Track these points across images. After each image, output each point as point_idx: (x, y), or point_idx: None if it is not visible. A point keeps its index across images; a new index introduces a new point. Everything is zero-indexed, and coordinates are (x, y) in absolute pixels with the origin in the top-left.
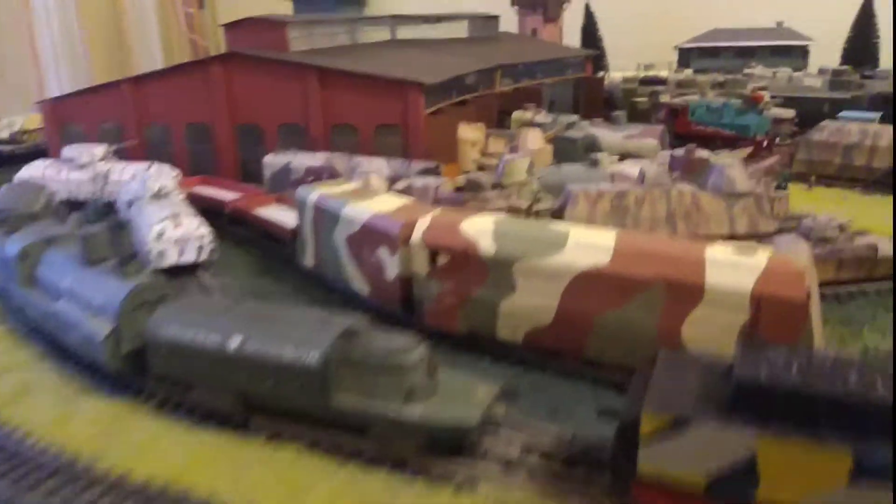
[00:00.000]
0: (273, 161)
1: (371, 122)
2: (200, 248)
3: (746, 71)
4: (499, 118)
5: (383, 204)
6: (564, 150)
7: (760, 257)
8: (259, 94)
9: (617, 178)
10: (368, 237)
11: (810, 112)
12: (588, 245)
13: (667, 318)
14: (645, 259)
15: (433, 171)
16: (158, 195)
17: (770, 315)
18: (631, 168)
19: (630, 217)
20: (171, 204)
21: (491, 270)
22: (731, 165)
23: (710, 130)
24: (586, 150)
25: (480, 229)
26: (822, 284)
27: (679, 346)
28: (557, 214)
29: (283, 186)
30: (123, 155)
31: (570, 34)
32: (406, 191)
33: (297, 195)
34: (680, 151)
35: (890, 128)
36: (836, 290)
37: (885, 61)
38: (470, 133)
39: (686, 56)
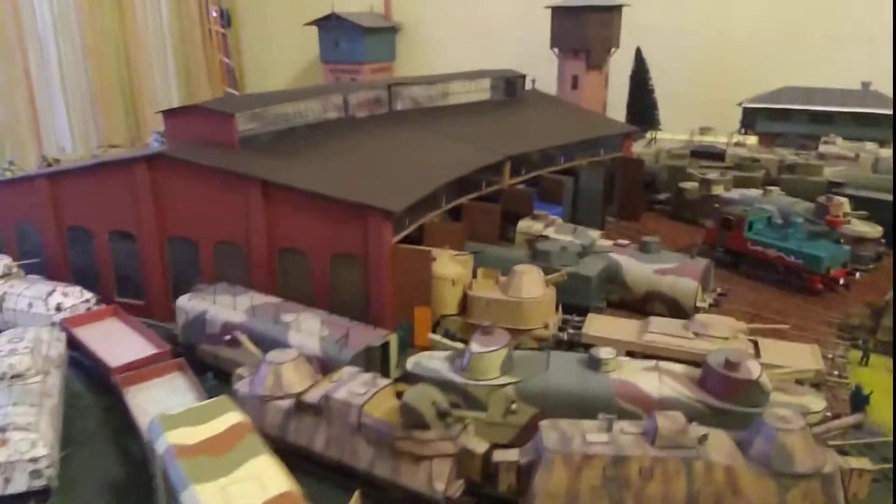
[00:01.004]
0: (188, 306)
1: (325, 249)
2: (36, 474)
3: (823, 148)
4: (502, 227)
5: (240, 497)
6: (574, 290)
7: None
8: (192, 204)
9: (623, 392)
10: None
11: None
12: None
13: None
14: None
15: (375, 351)
16: (10, 377)
17: None
18: (646, 381)
19: (631, 496)
20: (11, 398)
21: None
22: (787, 424)
23: (772, 254)
24: (609, 281)
25: None
26: None
27: None
28: (525, 478)
29: (198, 339)
30: (38, 267)
31: (617, 84)
32: (324, 404)
33: (149, 429)
34: (720, 358)
35: None
36: None
37: None
38: (450, 267)
39: (751, 116)
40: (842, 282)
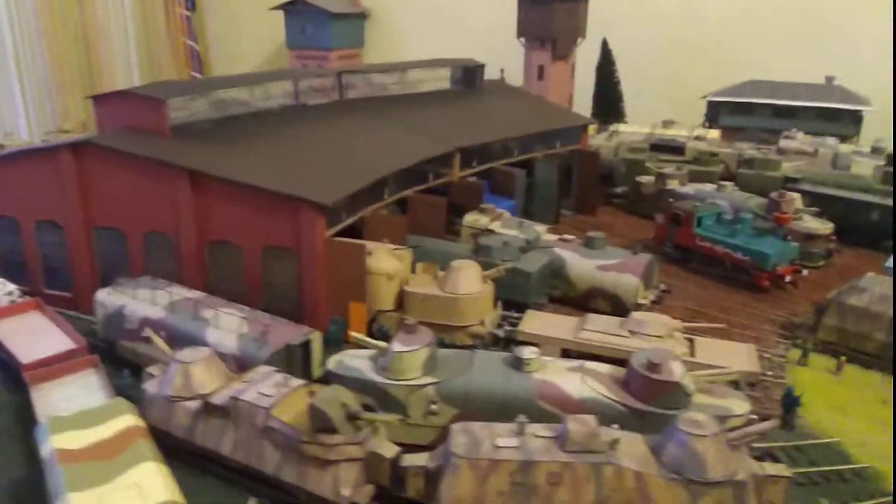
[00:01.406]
0: (107, 300)
1: (257, 242)
2: None
3: (783, 143)
4: (449, 221)
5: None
6: (514, 286)
7: None
8: (119, 193)
9: (544, 393)
10: None
11: (851, 220)
12: None
13: None
14: None
15: (296, 350)
16: None
17: None
18: (568, 381)
19: (539, 502)
20: None
21: None
22: (700, 430)
23: (720, 250)
24: (553, 277)
25: None
26: None
27: None
28: (433, 483)
29: (117, 335)
30: None
31: (585, 74)
32: (232, 406)
33: (35, 433)
34: (643, 359)
35: None
36: None
37: None
38: (387, 262)
39: (715, 110)
40: (788, 279)
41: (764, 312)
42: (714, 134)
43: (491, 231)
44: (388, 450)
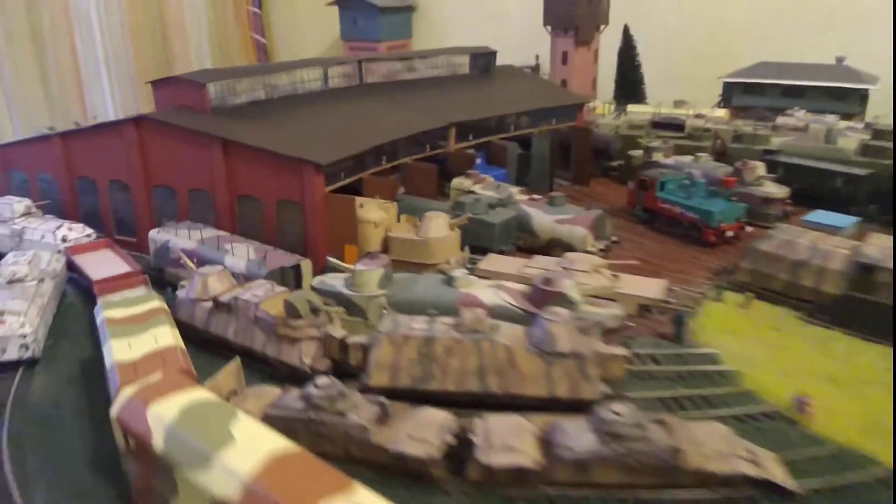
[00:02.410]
0: (156, 237)
1: (273, 196)
2: (24, 347)
3: (780, 120)
4: (441, 184)
5: (137, 346)
6: (480, 234)
7: None
8: (170, 158)
9: (465, 301)
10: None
11: (817, 186)
12: (228, 470)
13: None
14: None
15: (292, 270)
16: (11, 281)
17: None
18: (484, 294)
19: (437, 367)
20: (11, 295)
21: (160, 467)
22: (555, 322)
23: (677, 211)
24: (519, 230)
25: (160, 419)
26: (607, 487)
27: None
28: (366, 352)
29: (164, 263)
30: (55, 209)
31: (608, 60)
32: (233, 303)
33: (95, 310)
34: (542, 277)
35: (847, 247)
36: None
37: None
38: (373, 213)
39: (730, 90)
40: (730, 234)
41: (704, 262)
42: (721, 112)
43: (472, 192)
44: (339, 332)
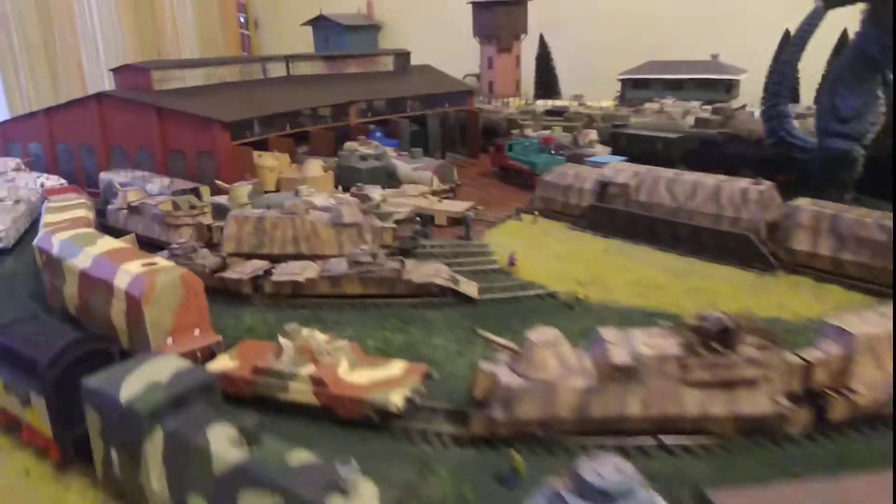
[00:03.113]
0: (103, 177)
1: (193, 149)
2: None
3: (647, 105)
4: (338, 146)
5: (61, 216)
6: (350, 177)
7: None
8: (122, 125)
9: (309, 206)
10: None
11: (646, 150)
12: (88, 254)
13: (107, 305)
14: (104, 267)
15: (192, 191)
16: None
17: (129, 305)
18: (319, 200)
19: (267, 237)
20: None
21: (56, 267)
22: (346, 204)
23: (516, 165)
24: (389, 177)
25: (59, 239)
26: (354, 297)
27: (112, 325)
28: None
29: (109, 196)
30: (40, 166)
31: (530, 63)
32: (140, 207)
33: (43, 205)
34: (358, 188)
35: (592, 171)
36: (365, 303)
37: (807, 97)
38: (268, 161)
39: (625, 86)
40: None
41: (525, 200)
42: (607, 102)
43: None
44: (207, 220)
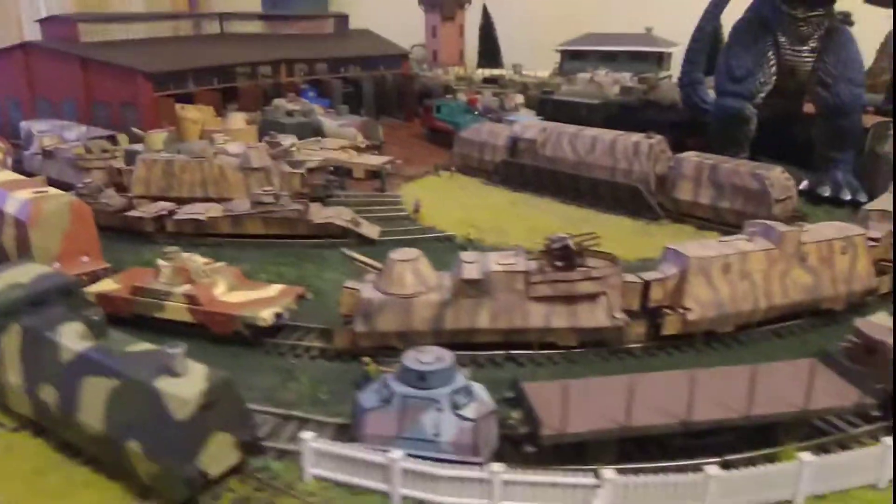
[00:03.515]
0: (24, 125)
1: (117, 100)
2: None
3: (579, 75)
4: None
5: None
6: (277, 129)
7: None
8: (48, 76)
9: (220, 153)
10: None
11: (571, 116)
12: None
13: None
14: None
15: (108, 138)
16: None
17: (18, 230)
18: (232, 148)
19: (175, 180)
20: None
21: None
22: (254, 148)
23: (442, 125)
24: (314, 133)
25: None
26: (257, 237)
27: (4, 250)
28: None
29: (29, 144)
30: None
31: (473, 32)
32: (54, 151)
33: None
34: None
35: (505, 128)
36: (266, 242)
37: None
38: (191, 113)
39: (563, 58)
40: None
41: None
42: (544, 72)
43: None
44: (119, 164)
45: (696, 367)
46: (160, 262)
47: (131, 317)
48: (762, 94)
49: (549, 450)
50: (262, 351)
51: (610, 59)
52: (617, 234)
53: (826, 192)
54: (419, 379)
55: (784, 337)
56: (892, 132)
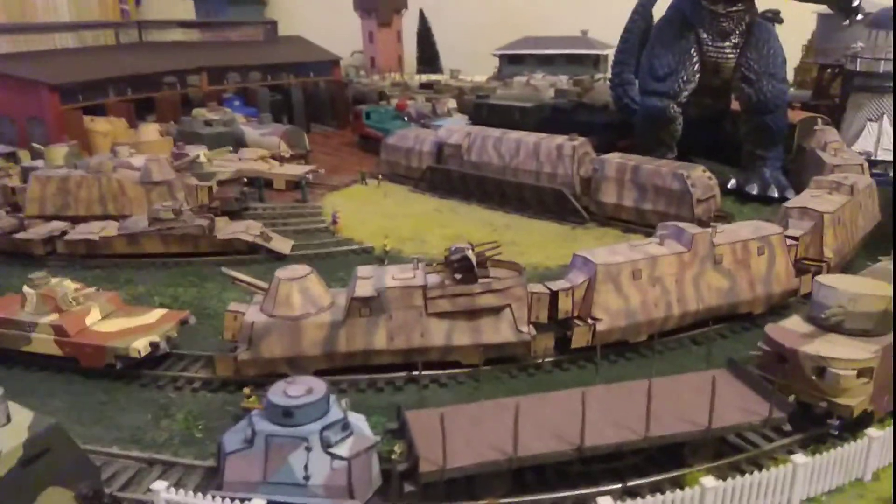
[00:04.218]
0: None
1: (22, 113)
2: None
3: (515, 79)
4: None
5: None
6: (194, 139)
7: None
8: None
9: (122, 166)
10: None
11: (505, 119)
12: None
13: None
14: None
15: (7, 155)
16: None
17: None
18: (136, 161)
19: (71, 197)
20: None
21: None
22: (155, 161)
23: (373, 132)
24: (236, 143)
25: None
26: (156, 256)
27: None
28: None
29: None
30: None
31: (411, 38)
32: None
33: None
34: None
35: (431, 134)
36: (167, 262)
37: None
38: (101, 126)
39: (501, 62)
40: None
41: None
42: (481, 77)
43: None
44: (13, 182)
45: (607, 379)
46: (26, 289)
47: None
48: (686, 93)
49: (435, 485)
50: (139, 384)
51: (547, 62)
52: (542, 239)
53: (754, 190)
54: (285, 415)
55: (701, 344)
56: (818, 128)
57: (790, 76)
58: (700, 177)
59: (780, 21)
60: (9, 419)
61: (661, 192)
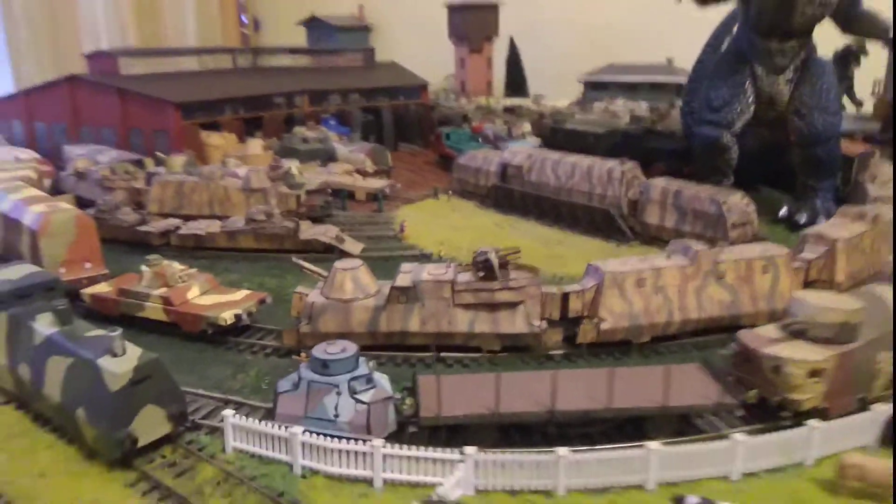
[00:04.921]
0: (66, 150)
1: (150, 127)
2: None
3: (595, 105)
4: (288, 129)
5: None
6: (291, 156)
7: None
8: (90, 105)
9: (229, 175)
10: None
11: (580, 144)
12: (6, 201)
13: (18, 240)
14: (19, 209)
15: (135, 162)
16: None
17: (31, 239)
18: (241, 170)
19: (186, 200)
20: None
21: None
22: (255, 171)
23: (451, 152)
24: (328, 158)
25: None
26: (250, 250)
27: (22, 257)
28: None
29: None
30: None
31: (500, 64)
32: (83, 169)
33: None
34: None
35: (497, 155)
36: (259, 256)
37: None
38: (215, 140)
39: (586, 88)
40: None
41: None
42: (563, 102)
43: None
44: (139, 184)
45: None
46: (143, 267)
47: (119, 316)
48: (740, 123)
49: (435, 432)
50: (224, 347)
51: (631, 89)
52: (587, 254)
53: (803, 219)
54: (323, 366)
55: (703, 349)
56: (874, 160)
57: (869, 108)
58: (737, 203)
59: (866, 53)
60: (124, 351)
61: (699, 215)
